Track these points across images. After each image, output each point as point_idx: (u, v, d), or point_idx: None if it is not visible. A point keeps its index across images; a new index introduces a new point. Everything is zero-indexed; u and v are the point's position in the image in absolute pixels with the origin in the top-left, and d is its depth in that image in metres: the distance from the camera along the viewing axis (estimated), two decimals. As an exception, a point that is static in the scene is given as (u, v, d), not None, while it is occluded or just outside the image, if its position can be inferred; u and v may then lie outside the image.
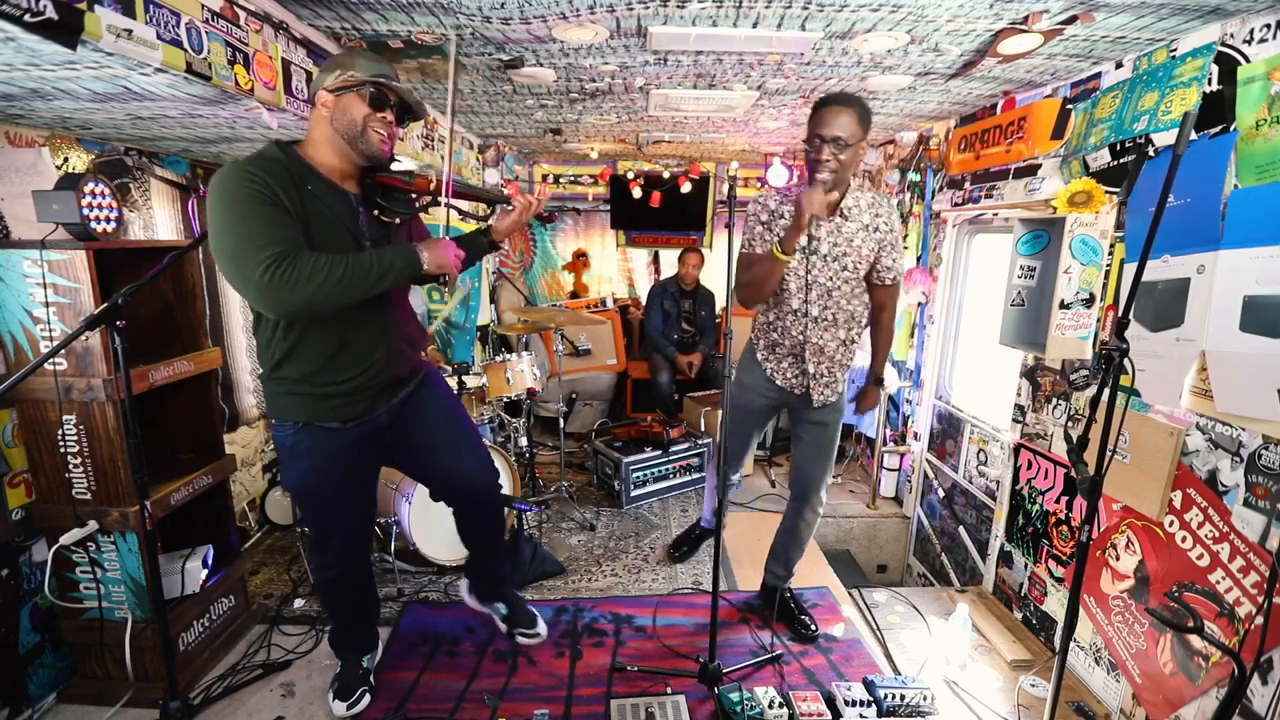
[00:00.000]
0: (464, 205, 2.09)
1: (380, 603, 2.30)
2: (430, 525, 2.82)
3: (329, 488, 1.84)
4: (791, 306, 2.20)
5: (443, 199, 1.73)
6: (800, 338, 2.22)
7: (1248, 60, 1.70)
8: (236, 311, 3.14)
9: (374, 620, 2.22)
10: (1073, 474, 1.73)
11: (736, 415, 2.43)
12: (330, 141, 1.59)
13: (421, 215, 1.87)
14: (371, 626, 2.21)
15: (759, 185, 5.08)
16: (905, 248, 3.72)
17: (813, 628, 2.49)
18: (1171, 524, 1.92)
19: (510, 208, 1.86)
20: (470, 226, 2.17)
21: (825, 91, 2.68)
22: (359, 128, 1.56)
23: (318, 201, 1.56)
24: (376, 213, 1.67)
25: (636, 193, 5.10)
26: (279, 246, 1.42)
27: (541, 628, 2.28)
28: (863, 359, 3.73)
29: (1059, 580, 2.42)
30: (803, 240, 2.08)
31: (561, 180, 5.25)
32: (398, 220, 1.71)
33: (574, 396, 4.77)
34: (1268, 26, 1.66)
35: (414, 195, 1.71)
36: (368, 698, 2.09)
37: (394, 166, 1.70)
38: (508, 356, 3.38)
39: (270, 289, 1.40)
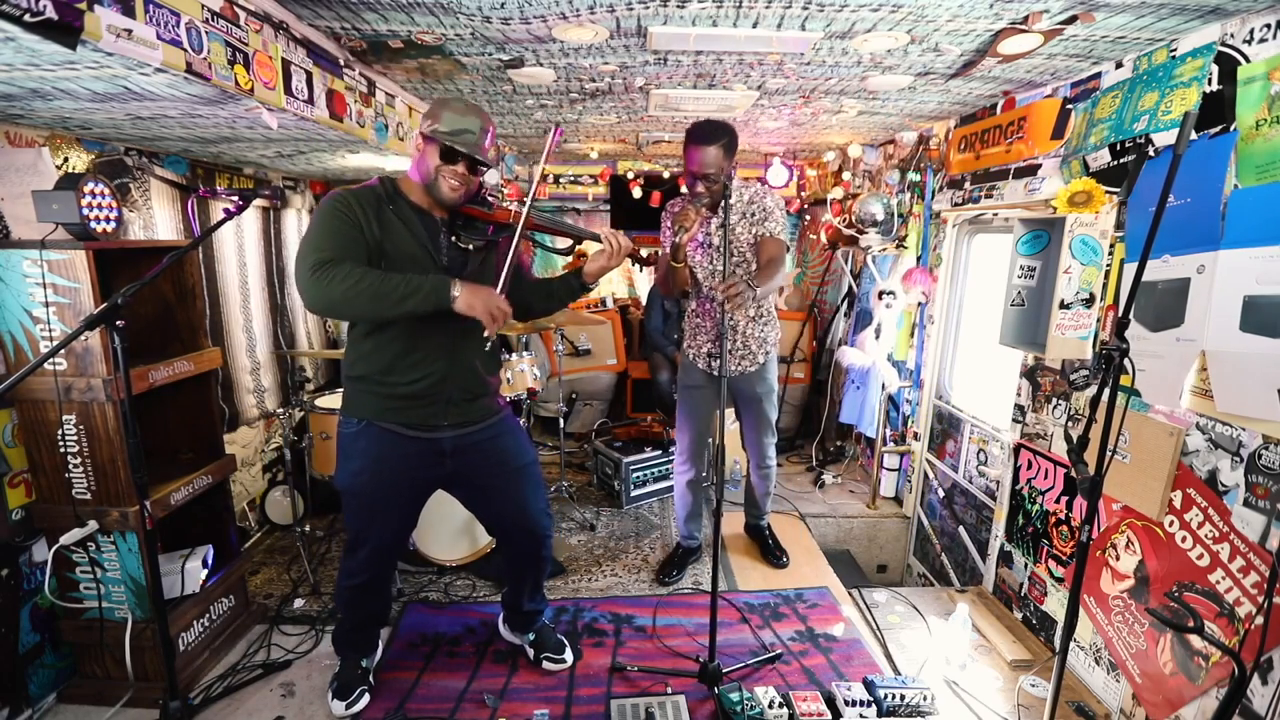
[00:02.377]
0: (548, 240, 2.14)
1: (389, 609, 2.32)
2: (431, 525, 2.82)
3: (376, 492, 1.90)
4: (704, 292, 2.62)
5: (519, 232, 1.78)
6: (716, 317, 2.60)
7: (1248, 60, 1.70)
8: (236, 311, 3.15)
9: (380, 625, 2.25)
10: (1073, 474, 1.73)
11: (687, 419, 2.79)
12: (418, 177, 1.79)
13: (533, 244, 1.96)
14: (376, 630, 2.23)
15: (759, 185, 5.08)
16: (905, 247, 3.72)
17: (784, 559, 3.05)
18: (1171, 524, 1.92)
19: (601, 247, 1.91)
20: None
21: (825, 91, 2.69)
22: (432, 175, 1.74)
23: (398, 223, 1.76)
24: (454, 239, 1.82)
25: (636, 193, 5.09)
26: (331, 253, 1.63)
27: (569, 655, 2.30)
28: (861, 359, 3.74)
29: (1059, 580, 2.42)
30: (700, 237, 2.52)
31: (561, 180, 5.25)
32: (471, 247, 1.84)
33: (574, 396, 4.78)
34: (1268, 26, 1.66)
35: (490, 226, 1.85)
36: (367, 697, 2.10)
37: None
38: (508, 356, 3.38)
39: (309, 284, 1.61)
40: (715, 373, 2.64)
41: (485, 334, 1.72)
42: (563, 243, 2.11)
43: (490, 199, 1.89)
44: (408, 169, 1.83)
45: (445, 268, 1.80)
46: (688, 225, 2.24)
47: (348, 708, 2.04)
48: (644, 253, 2.00)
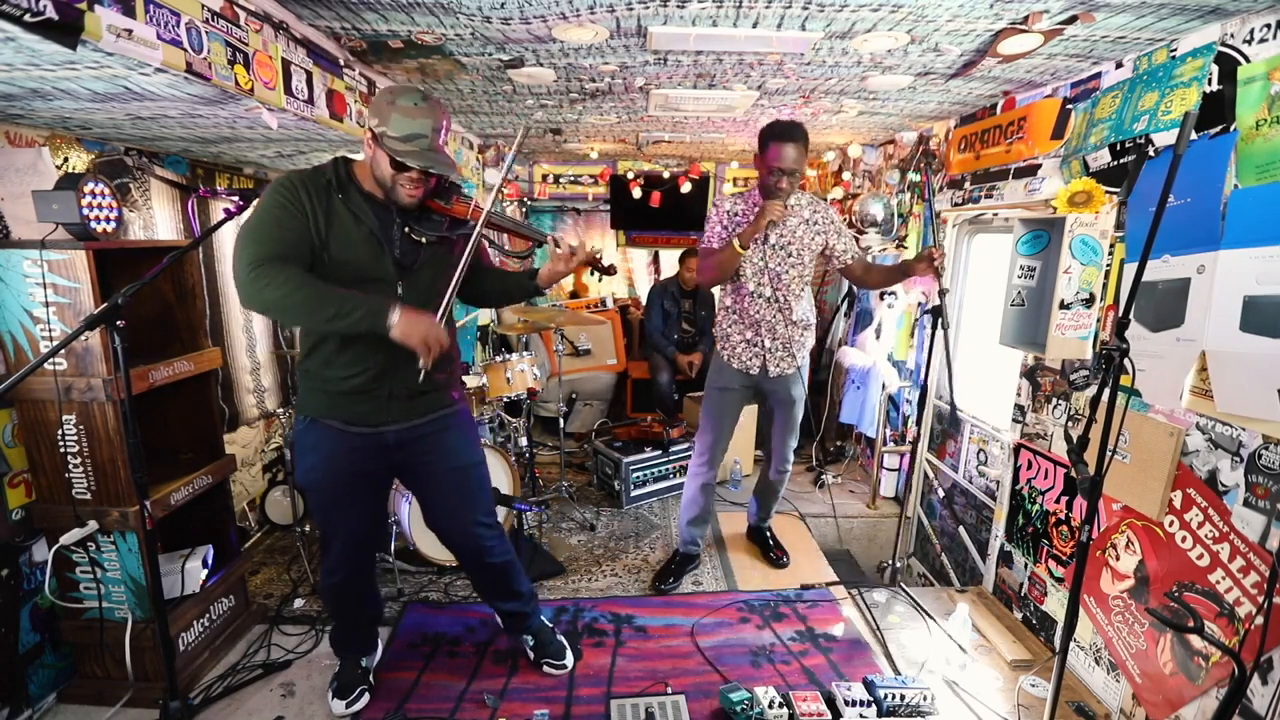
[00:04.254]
0: (495, 238, 2.10)
1: (383, 607, 2.31)
2: (430, 525, 2.82)
3: (331, 488, 1.87)
4: (749, 289, 2.58)
5: (475, 233, 1.73)
6: (758, 316, 2.61)
7: (1248, 60, 1.70)
8: (236, 311, 3.14)
9: (375, 624, 2.24)
10: (1073, 474, 1.73)
11: (716, 420, 2.79)
12: (370, 173, 1.69)
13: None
14: (372, 629, 2.22)
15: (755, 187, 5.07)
16: (905, 247, 3.72)
17: (785, 559, 3.06)
18: (1171, 524, 1.92)
19: (558, 250, 1.87)
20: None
21: (825, 91, 2.69)
22: (388, 182, 1.65)
23: (346, 214, 1.67)
24: (407, 230, 1.74)
25: (636, 193, 5.10)
26: (271, 249, 1.56)
27: (569, 659, 2.28)
28: (861, 359, 3.74)
29: (1059, 580, 2.42)
30: (758, 237, 2.51)
31: (561, 180, 5.25)
32: (425, 240, 1.76)
33: (574, 396, 4.77)
34: (1268, 26, 1.66)
35: (446, 220, 1.78)
36: (367, 696, 2.09)
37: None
38: (508, 356, 3.38)
39: (245, 281, 1.55)
40: (751, 372, 2.67)
41: (420, 364, 1.62)
42: (519, 245, 2.06)
43: (451, 189, 1.79)
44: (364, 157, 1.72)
45: (396, 260, 1.72)
46: (776, 218, 2.38)
47: (348, 707, 2.04)
48: (605, 263, 1.96)
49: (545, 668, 2.26)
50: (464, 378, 3.19)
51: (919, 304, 3.61)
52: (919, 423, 2.67)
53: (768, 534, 3.17)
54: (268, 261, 1.54)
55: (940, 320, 2.37)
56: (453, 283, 1.71)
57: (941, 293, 2.36)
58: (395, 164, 1.60)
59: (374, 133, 1.59)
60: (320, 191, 1.64)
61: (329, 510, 1.91)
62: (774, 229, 2.52)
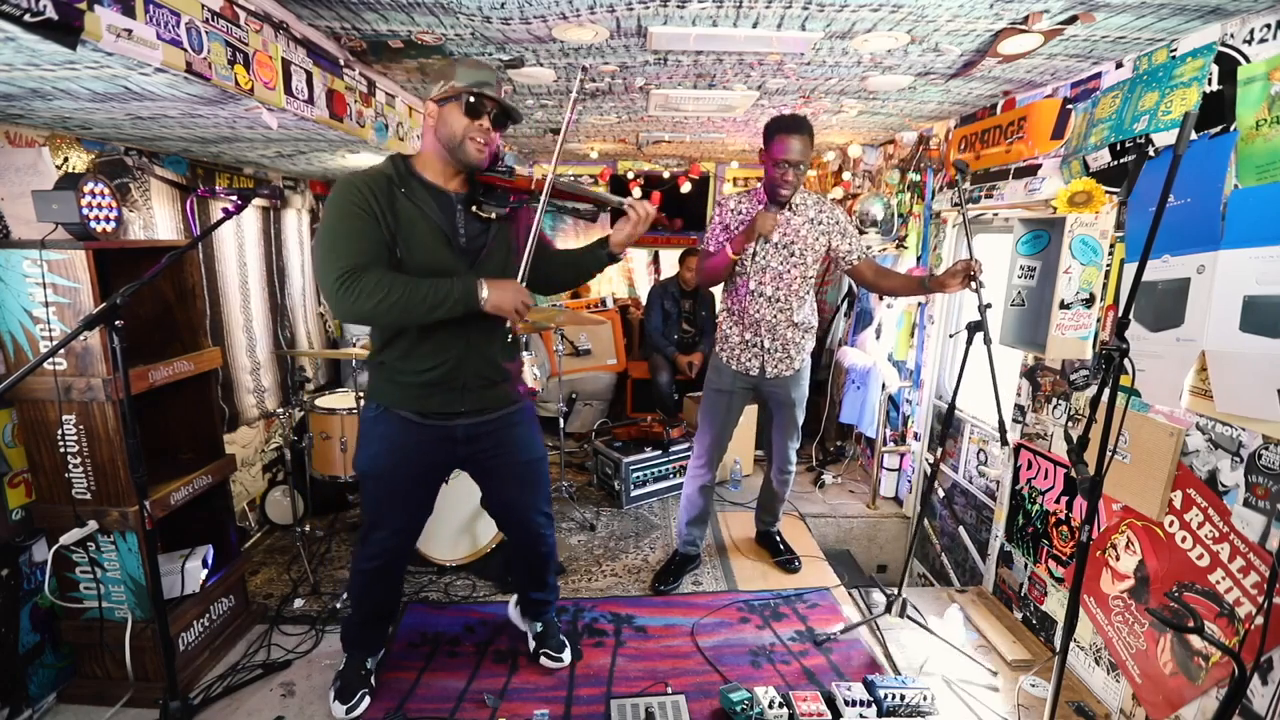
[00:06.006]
0: (571, 206, 2.09)
1: (399, 604, 2.32)
2: (431, 525, 2.81)
3: (392, 478, 1.92)
4: (750, 287, 2.55)
5: (542, 199, 1.74)
6: (757, 315, 2.57)
7: (1248, 60, 1.70)
8: (236, 311, 3.15)
9: (388, 622, 2.24)
10: (1073, 474, 1.73)
11: (714, 422, 2.76)
12: (434, 149, 1.72)
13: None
14: (384, 627, 2.22)
15: (759, 185, 5.08)
16: (905, 247, 3.72)
17: (796, 563, 3.02)
18: (1171, 524, 1.92)
19: (625, 215, 1.87)
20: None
21: (825, 91, 2.69)
22: (458, 138, 1.66)
23: (412, 206, 1.69)
24: (474, 209, 1.76)
25: (636, 193, 5.10)
26: (353, 260, 1.59)
27: (567, 655, 2.30)
28: (861, 359, 3.74)
29: (1059, 580, 2.42)
30: (751, 247, 2.48)
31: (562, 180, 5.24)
32: (494, 216, 1.77)
33: (574, 396, 4.77)
34: (1268, 26, 1.66)
35: (511, 194, 1.78)
36: (368, 699, 2.09)
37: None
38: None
39: (336, 298, 1.60)
40: (750, 373, 2.65)
41: (508, 324, 1.72)
42: (585, 209, 2.04)
43: (506, 168, 1.82)
44: (420, 147, 1.78)
45: (464, 247, 1.76)
46: (766, 232, 2.37)
47: (348, 712, 2.03)
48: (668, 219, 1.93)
49: (542, 658, 2.27)
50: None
51: (919, 304, 3.61)
52: (942, 438, 2.56)
53: (777, 538, 3.15)
54: (350, 274, 1.58)
55: (984, 336, 2.12)
56: (528, 249, 1.73)
57: (983, 308, 2.15)
58: (470, 108, 1.63)
59: (437, 98, 1.65)
60: (383, 190, 1.66)
61: (385, 499, 1.94)
62: (764, 242, 2.48)
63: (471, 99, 1.64)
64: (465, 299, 1.63)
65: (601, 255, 1.96)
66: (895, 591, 2.52)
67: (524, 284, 1.72)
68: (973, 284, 2.18)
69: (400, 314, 1.62)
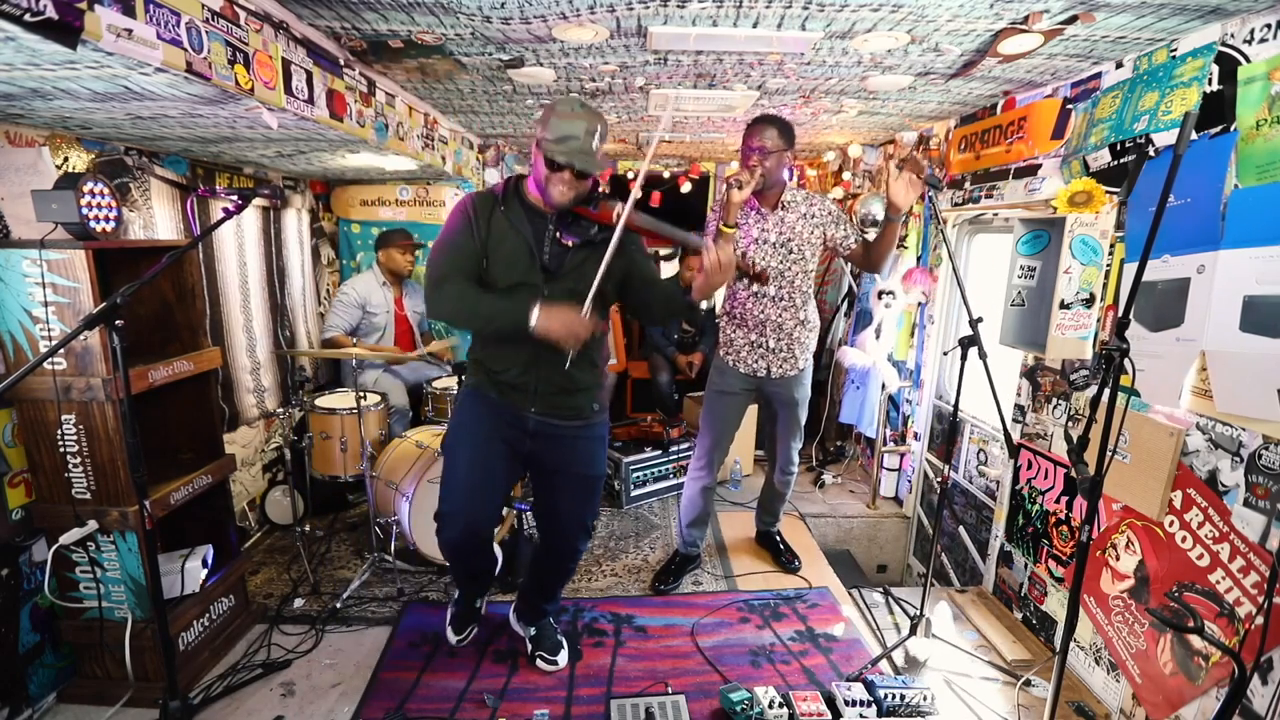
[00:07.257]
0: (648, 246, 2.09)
1: (495, 564, 2.44)
2: (430, 525, 2.81)
3: (468, 445, 2.01)
4: (752, 289, 2.59)
5: (615, 234, 1.76)
6: (762, 316, 2.60)
7: (1248, 60, 1.70)
8: (236, 311, 3.15)
9: (488, 580, 2.44)
10: (1073, 474, 1.72)
11: (716, 424, 2.77)
12: (535, 177, 1.87)
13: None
14: (489, 580, 2.43)
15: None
16: (905, 247, 3.72)
17: (796, 563, 3.04)
18: (1171, 524, 1.92)
19: (708, 261, 1.76)
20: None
21: (825, 91, 2.69)
22: (544, 181, 1.82)
23: (505, 224, 1.88)
24: (558, 236, 1.88)
25: (636, 192, 5.09)
26: (446, 269, 1.86)
27: (562, 658, 2.31)
28: (861, 359, 3.74)
29: (1059, 580, 2.42)
30: (755, 233, 2.55)
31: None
32: (572, 244, 1.89)
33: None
34: (1268, 26, 1.66)
35: (594, 226, 1.89)
36: (476, 629, 2.42)
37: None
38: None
39: (430, 298, 1.90)
40: (755, 374, 2.66)
41: (566, 350, 1.80)
42: (664, 249, 2.09)
43: (600, 197, 1.89)
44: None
45: (545, 266, 1.88)
46: (745, 182, 2.32)
47: (459, 642, 2.38)
48: (757, 268, 1.90)
49: (539, 661, 2.29)
50: (464, 377, 3.20)
51: (919, 304, 3.61)
52: (950, 443, 2.50)
53: (777, 538, 3.15)
54: (439, 283, 1.85)
55: (978, 350, 2.10)
56: (596, 279, 1.78)
57: (974, 322, 2.12)
58: (548, 162, 1.77)
59: (538, 140, 1.79)
60: (485, 208, 1.88)
61: (458, 468, 2.00)
62: (768, 221, 2.51)
63: (548, 156, 1.76)
64: (516, 319, 1.77)
65: (679, 299, 1.93)
66: (918, 612, 2.44)
67: (585, 315, 1.77)
68: (926, 181, 2.25)
69: (468, 320, 1.91)
